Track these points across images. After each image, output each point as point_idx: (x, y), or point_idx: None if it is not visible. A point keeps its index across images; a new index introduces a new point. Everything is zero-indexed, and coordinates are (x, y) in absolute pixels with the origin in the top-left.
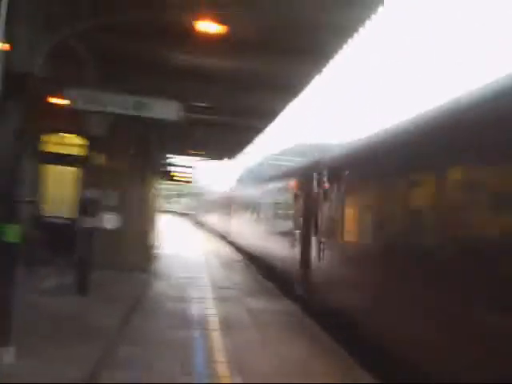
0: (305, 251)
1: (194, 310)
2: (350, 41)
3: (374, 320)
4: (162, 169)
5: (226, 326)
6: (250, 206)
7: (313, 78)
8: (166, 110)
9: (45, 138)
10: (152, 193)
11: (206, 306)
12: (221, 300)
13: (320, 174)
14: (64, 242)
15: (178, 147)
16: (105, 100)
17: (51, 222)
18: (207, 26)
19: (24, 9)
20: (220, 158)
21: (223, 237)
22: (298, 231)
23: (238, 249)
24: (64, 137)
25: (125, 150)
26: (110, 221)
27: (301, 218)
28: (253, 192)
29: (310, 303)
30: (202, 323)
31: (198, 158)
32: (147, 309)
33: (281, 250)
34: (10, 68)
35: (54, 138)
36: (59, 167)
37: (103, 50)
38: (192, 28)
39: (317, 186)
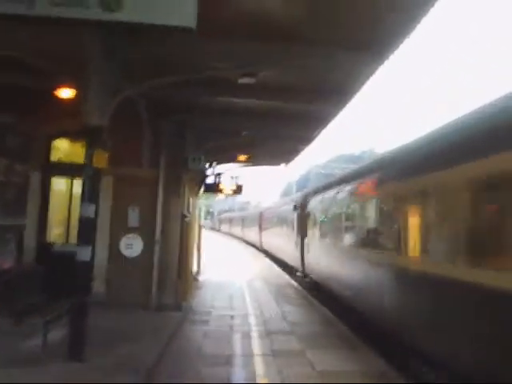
0: None
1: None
2: None
3: None
4: (202, 178)
5: None
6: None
7: None
8: (164, 7)
9: (53, 144)
10: (192, 207)
11: (256, 371)
12: (276, 356)
13: None
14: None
15: (223, 151)
16: None
17: (57, 252)
18: None
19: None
20: (275, 163)
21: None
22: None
23: None
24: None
25: (147, 151)
26: (129, 247)
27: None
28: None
29: None
30: None
31: (246, 165)
32: None
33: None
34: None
35: (62, 143)
36: (71, 180)
37: None
38: None
39: None
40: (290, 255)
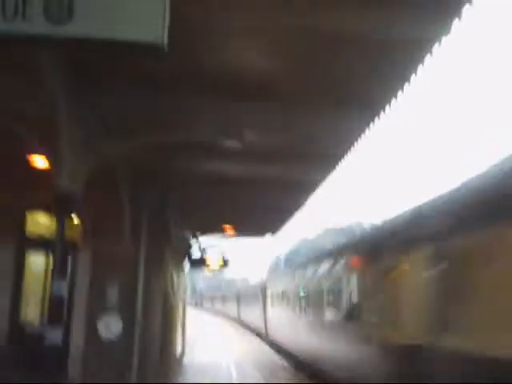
0: None
1: None
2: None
3: None
4: (187, 251)
5: None
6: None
7: None
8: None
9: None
10: (175, 283)
11: None
12: None
13: None
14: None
15: (207, 221)
16: None
17: (30, 333)
18: None
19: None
20: (261, 233)
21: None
22: None
23: None
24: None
25: (127, 223)
26: (108, 327)
27: None
28: None
29: None
30: None
31: (232, 235)
32: None
33: None
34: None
35: (38, 216)
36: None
37: None
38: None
39: None
40: (259, 324)
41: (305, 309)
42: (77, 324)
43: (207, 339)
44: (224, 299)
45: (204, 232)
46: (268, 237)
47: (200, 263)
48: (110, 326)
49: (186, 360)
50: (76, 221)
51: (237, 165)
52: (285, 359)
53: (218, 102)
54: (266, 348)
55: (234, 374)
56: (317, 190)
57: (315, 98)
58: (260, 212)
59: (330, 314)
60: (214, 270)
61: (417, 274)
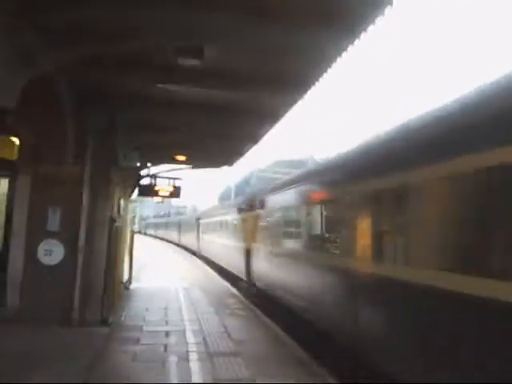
0: None
1: None
2: None
3: None
4: (135, 178)
5: None
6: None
7: None
8: None
9: None
10: (123, 210)
11: None
12: None
13: None
14: None
15: (158, 150)
16: None
17: None
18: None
19: None
20: (217, 165)
21: None
22: None
23: None
24: None
25: (71, 145)
26: (48, 253)
27: None
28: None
29: None
30: None
31: (185, 167)
32: None
33: None
34: None
35: None
36: None
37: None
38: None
39: None
40: (194, 244)
41: (221, 233)
42: (15, 249)
43: (153, 261)
44: (168, 226)
45: (156, 160)
46: (224, 168)
47: (149, 191)
48: (52, 251)
49: (134, 286)
50: (15, 140)
51: (194, 87)
52: (210, 265)
53: (174, 11)
54: (200, 262)
55: (183, 301)
56: (280, 120)
57: (288, 10)
58: (216, 142)
59: (231, 238)
60: (163, 199)
61: None
